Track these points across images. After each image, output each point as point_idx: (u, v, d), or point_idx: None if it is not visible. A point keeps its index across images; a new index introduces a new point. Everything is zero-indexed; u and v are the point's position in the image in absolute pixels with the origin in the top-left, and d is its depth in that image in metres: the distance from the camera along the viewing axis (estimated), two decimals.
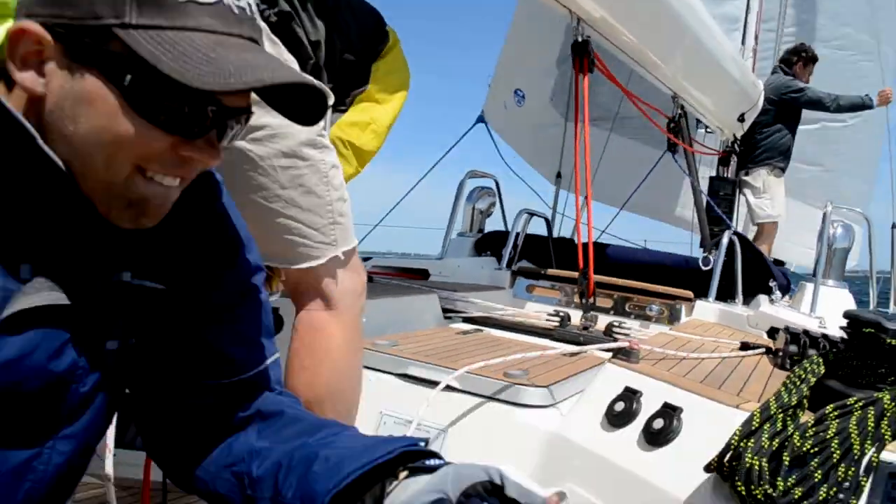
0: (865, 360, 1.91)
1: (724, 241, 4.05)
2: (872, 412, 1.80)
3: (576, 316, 3.50)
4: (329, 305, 1.88)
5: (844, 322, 2.05)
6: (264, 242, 1.41)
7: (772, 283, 4.18)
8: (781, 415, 1.82)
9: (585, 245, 3.30)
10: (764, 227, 6.24)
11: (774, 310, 3.70)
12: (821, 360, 2.02)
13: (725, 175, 6.58)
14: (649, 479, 2.01)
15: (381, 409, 2.64)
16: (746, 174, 6.40)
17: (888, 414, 1.82)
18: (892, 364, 1.86)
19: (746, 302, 4.19)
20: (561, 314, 3.42)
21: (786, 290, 4.47)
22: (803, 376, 1.96)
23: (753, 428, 1.76)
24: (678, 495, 1.90)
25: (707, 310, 3.87)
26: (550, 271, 4.28)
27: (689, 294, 3.91)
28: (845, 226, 4.22)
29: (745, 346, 2.96)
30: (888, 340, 1.86)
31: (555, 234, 5.62)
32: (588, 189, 3.33)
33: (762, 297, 4.07)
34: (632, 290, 3.99)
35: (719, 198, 5.94)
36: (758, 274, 4.29)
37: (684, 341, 3.01)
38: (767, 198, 6.28)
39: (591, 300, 3.37)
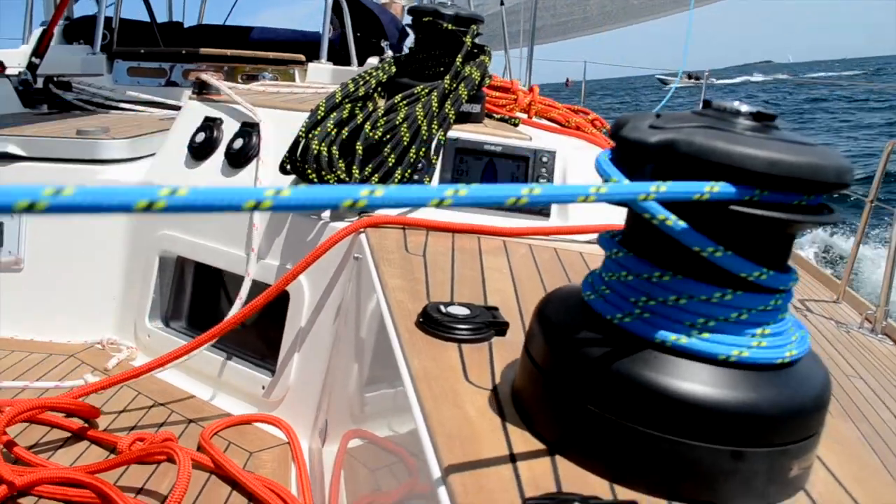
0: (429, 50, 1.95)
1: (328, 2, 3.94)
2: (436, 95, 1.86)
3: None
4: None
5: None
6: None
7: (384, 44, 4.21)
8: (349, 105, 1.80)
9: None
10: None
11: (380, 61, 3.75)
12: (392, 61, 2.03)
13: None
14: None
15: None
16: None
17: (450, 95, 1.89)
18: (449, 49, 1.91)
19: (361, 64, 4.20)
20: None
21: (398, 49, 4.55)
22: (373, 73, 1.96)
23: (319, 118, 1.73)
24: None
25: (321, 72, 3.80)
26: (151, 49, 3.88)
27: (301, 57, 3.80)
28: None
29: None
30: (444, 25, 1.89)
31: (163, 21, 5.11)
32: None
33: (374, 58, 4.10)
34: (241, 59, 3.77)
35: None
36: (372, 34, 4.29)
37: (286, 88, 2.92)
38: None
39: None
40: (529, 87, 2.53)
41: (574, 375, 0.70)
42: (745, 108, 0.70)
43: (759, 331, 0.69)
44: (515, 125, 2.16)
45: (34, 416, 1.60)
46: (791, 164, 0.62)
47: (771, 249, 0.69)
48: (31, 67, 3.32)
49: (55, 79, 3.26)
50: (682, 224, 0.65)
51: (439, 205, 0.53)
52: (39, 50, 3.41)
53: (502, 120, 2.19)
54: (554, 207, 1.78)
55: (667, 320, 0.68)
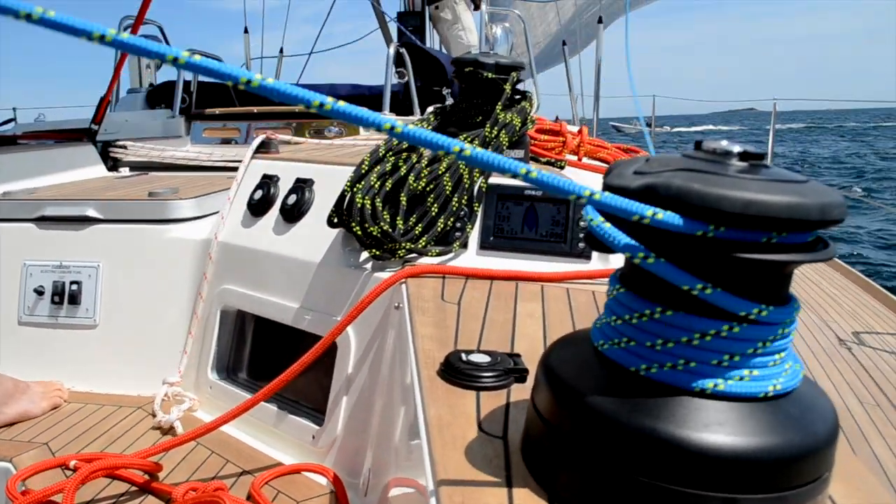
0: (471, 99, 1.98)
1: (390, 53, 4.06)
2: (477, 144, 1.89)
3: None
4: None
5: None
6: None
7: (445, 92, 4.30)
8: (393, 157, 1.85)
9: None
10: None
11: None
12: (437, 111, 2.08)
13: (412, 9, 6.62)
14: (290, 254, 1.99)
15: (24, 259, 2.40)
16: (436, 8, 6.46)
17: (491, 142, 1.92)
18: (490, 97, 1.94)
19: (423, 113, 4.29)
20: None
21: None
22: (418, 125, 2.00)
23: (363, 172, 1.78)
24: (316, 259, 1.91)
25: None
26: (221, 109, 4.07)
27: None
28: (504, 27, 4.41)
29: None
30: (485, 74, 1.93)
31: None
32: None
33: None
34: (308, 114, 3.92)
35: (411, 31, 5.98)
36: (434, 82, 4.39)
37: (350, 140, 3.02)
38: (460, 28, 6.41)
39: None
40: (578, 128, 2.54)
41: (581, 427, 0.70)
42: (734, 147, 0.70)
43: (787, 364, 0.69)
44: (561, 168, 2.17)
45: (107, 474, 1.69)
46: (768, 203, 0.62)
47: (765, 285, 0.68)
48: (90, 134, 3.54)
49: (113, 143, 3.48)
50: (661, 261, 0.65)
51: (446, 154, 0.59)
52: (97, 118, 3.63)
53: (548, 163, 2.20)
54: (595, 252, 1.78)
55: (697, 365, 0.67)
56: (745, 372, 0.67)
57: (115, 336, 2.33)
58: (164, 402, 2.18)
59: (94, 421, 2.06)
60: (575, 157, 2.37)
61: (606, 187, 0.73)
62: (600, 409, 0.68)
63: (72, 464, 1.76)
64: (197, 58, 0.59)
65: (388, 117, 0.61)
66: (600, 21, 6.61)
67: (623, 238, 0.68)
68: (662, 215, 0.64)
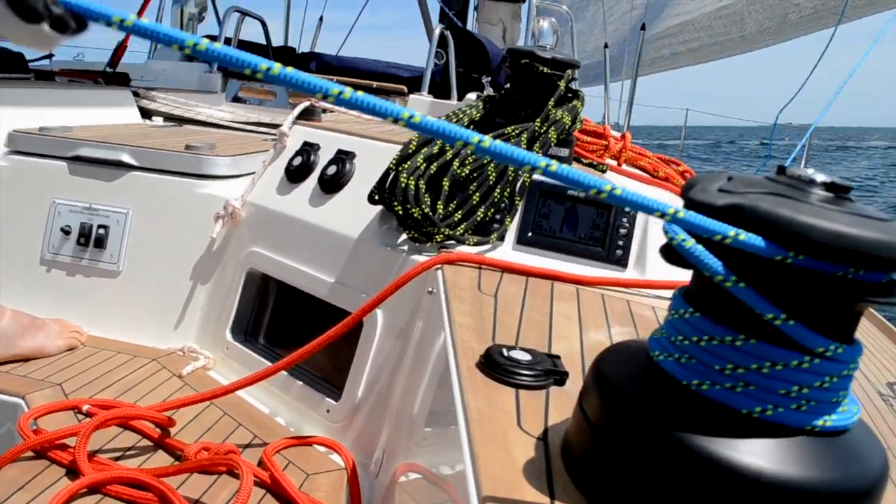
0: (523, 92, 1.96)
1: (435, 34, 4.04)
2: (525, 137, 1.87)
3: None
4: None
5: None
6: None
7: (484, 80, 4.27)
8: (440, 143, 1.83)
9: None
10: None
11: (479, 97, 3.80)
12: (486, 99, 2.06)
13: None
14: (325, 225, 1.98)
15: (54, 197, 2.39)
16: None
17: (539, 137, 1.90)
18: (542, 91, 1.92)
19: (461, 98, 4.26)
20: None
21: (499, 85, 4.60)
22: (467, 111, 1.99)
23: (410, 152, 1.76)
24: (351, 234, 1.90)
25: (421, 104, 3.89)
26: None
27: (403, 88, 3.90)
28: (550, 22, 4.36)
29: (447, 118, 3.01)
30: (541, 68, 1.91)
31: (279, 44, 5.34)
32: None
33: (474, 94, 4.17)
34: (346, 86, 3.90)
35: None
36: (474, 68, 4.36)
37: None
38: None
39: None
40: (622, 133, 2.51)
41: (632, 437, 0.69)
42: (820, 177, 0.69)
43: (845, 402, 0.68)
44: (603, 171, 2.15)
45: (120, 423, 1.69)
46: (857, 237, 0.61)
47: (837, 321, 0.67)
48: (105, 76, 3.52)
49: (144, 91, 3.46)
50: (743, 286, 0.64)
51: (464, 146, 0.58)
52: (114, 60, 3.60)
53: (590, 165, 2.18)
54: (631, 259, 1.76)
55: (758, 390, 0.66)
56: (804, 403, 0.66)
57: (136, 285, 2.32)
58: (180, 357, 2.18)
59: (109, 367, 2.06)
60: (615, 162, 2.34)
61: (689, 201, 0.71)
62: (651, 421, 0.68)
63: (84, 408, 1.76)
64: (207, 45, 0.60)
65: (403, 107, 0.61)
66: (643, 28, 6.57)
67: (711, 259, 0.66)
68: (745, 236, 0.63)
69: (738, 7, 9.15)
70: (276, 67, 0.59)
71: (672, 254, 0.71)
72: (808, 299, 0.64)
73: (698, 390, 0.68)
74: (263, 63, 0.59)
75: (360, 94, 0.60)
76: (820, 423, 0.66)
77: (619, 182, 2.05)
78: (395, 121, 0.63)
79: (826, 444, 0.66)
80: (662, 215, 0.66)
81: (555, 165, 0.65)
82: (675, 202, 1.86)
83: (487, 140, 0.64)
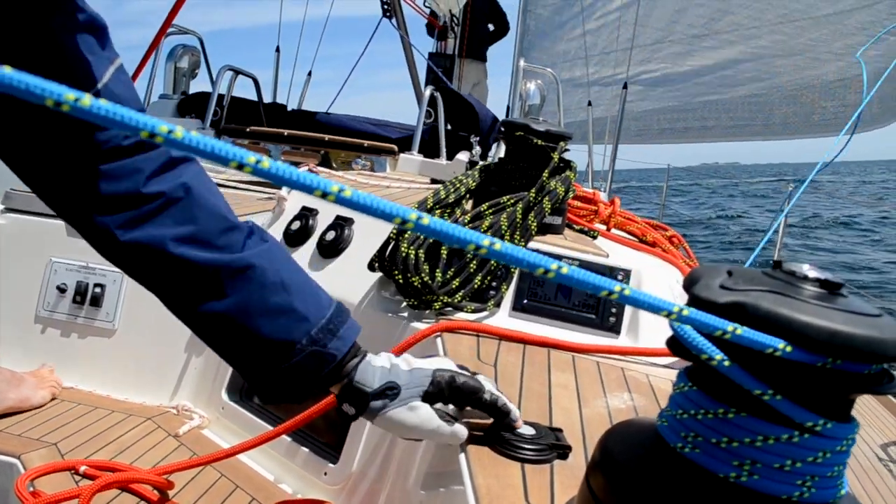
0: (517, 163, 2.04)
1: (426, 95, 4.14)
2: (521, 207, 1.94)
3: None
4: None
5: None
6: None
7: (473, 140, 4.37)
8: (439, 210, 1.90)
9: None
10: None
11: (468, 156, 3.89)
12: (481, 168, 2.13)
13: (444, 51, 6.76)
14: (325, 289, 2.02)
15: (51, 256, 2.43)
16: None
17: (534, 207, 1.97)
18: (536, 162, 1.99)
19: (450, 158, 4.35)
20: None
21: (486, 145, 4.70)
22: (463, 180, 2.06)
23: None
24: (351, 300, 1.94)
25: (411, 163, 3.97)
26: (254, 128, 4.13)
27: (393, 147, 3.98)
28: (537, 84, 4.50)
29: (434, 181, 3.08)
30: (535, 141, 1.99)
31: (268, 100, 5.42)
32: None
33: (463, 153, 4.26)
34: (338, 144, 3.98)
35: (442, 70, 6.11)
36: (462, 127, 4.46)
37: (378, 179, 3.06)
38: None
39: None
40: (611, 198, 2.59)
41: None
42: (813, 273, 0.75)
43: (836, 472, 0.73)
44: (594, 238, 2.22)
45: (120, 486, 1.71)
46: (851, 335, 0.66)
47: (834, 406, 0.72)
48: None
49: None
50: (737, 369, 0.70)
51: (476, 251, 0.60)
52: None
53: (582, 231, 2.25)
54: (624, 326, 1.82)
55: (750, 463, 0.71)
56: (800, 476, 0.71)
57: (132, 344, 2.34)
58: (175, 416, 2.19)
59: (104, 427, 2.07)
60: (604, 227, 2.42)
61: (693, 297, 0.77)
62: (656, 496, 0.72)
63: (81, 469, 1.77)
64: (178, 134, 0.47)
65: (410, 209, 0.57)
66: (625, 87, 6.75)
67: (713, 349, 0.72)
68: (790, 349, 0.69)
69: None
70: (266, 161, 0.53)
71: (677, 345, 0.76)
72: (802, 385, 0.70)
73: (696, 461, 0.73)
74: (251, 156, 0.53)
75: (363, 193, 0.58)
76: (796, 493, 0.71)
77: (609, 248, 2.12)
78: (403, 223, 0.62)
79: None
80: (669, 314, 0.71)
81: (566, 269, 0.69)
82: (663, 267, 1.92)
83: (499, 244, 0.67)
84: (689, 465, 0.73)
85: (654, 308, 0.72)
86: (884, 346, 0.67)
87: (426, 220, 0.64)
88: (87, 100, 0.45)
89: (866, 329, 0.67)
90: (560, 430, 1.18)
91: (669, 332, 0.77)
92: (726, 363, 0.70)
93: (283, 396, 1.08)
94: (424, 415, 1.07)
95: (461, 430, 1.09)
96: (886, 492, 1.27)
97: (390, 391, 1.06)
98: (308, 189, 0.55)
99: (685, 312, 0.72)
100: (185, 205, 1.00)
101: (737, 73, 9.45)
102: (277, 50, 7.36)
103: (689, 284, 0.80)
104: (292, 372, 1.04)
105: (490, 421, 1.14)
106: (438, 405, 1.09)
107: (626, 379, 1.57)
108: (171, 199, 1.00)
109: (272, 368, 1.04)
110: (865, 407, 2.11)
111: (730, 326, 0.70)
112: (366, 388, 1.06)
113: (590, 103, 6.64)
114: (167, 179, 1.00)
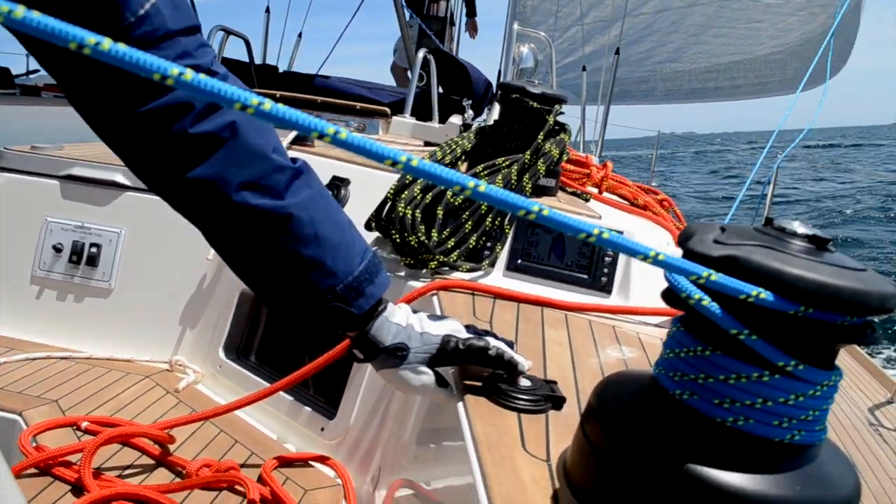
0: (512, 125, 2.05)
1: (419, 58, 4.13)
2: (516, 168, 1.96)
3: None
4: None
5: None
6: None
7: (465, 103, 4.36)
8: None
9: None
10: None
11: (461, 120, 3.88)
12: (477, 131, 2.14)
13: (435, 13, 6.73)
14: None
15: (46, 215, 2.43)
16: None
17: (529, 169, 1.99)
18: (532, 125, 2.01)
19: (443, 121, 4.35)
20: None
21: (479, 109, 4.70)
22: (458, 142, 2.07)
23: (407, 182, 1.84)
24: None
25: (404, 126, 3.96)
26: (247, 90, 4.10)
27: (386, 110, 3.97)
28: (530, 48, 4.48)
29: (427, 144, 3.09)
30: (530, 103, 2.00)
31: (259, 61, 5.39)
32: None
33: (456, 117, 4.25)
34: (328, 106, 3.97)
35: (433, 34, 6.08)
36: (455, 91, 4.45)
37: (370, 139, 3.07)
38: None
39: None
40: (602, 162, 2.62)
41: (633, 458, 0.76)
42: (802, 229, 0.78)
43: (812, 416, 0.76)
44: (587, 200, 2.24)
45: (121, 441, 1.75)
46: (837, 287, 0.69)
47: (816, 353, 0.75)
48: None
49: None
50: (716, 307, 0.73)
51: (462, 191, 0.62)
52: None
53: (574, 194, 2.28)
54: (615, 286, 1.85)
55: (728, 401, 0.74)
56: (771, 416, 0.75)
57: (128, 303, 2.36)
58: (171, 375, 2.23)
59: (103, 384, 2.10)
60: (596, 190, 2.44)
61: (688, 251, 0.80)
62: (647, 439, 0.75)
63: (83, 425, 1.80)
64: (188, 76, 0.50)
65: (401, 150, 0.59)
66: (617, 52, 6.74)
67: (694, 290, 0.75)
68: (764, 295, 0.71)
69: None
70: (268, 103, 0.55)
71: (671, 296, 0.80)
72: (785, 332, 0.73)
73: (681, 399, 0.76)
74: (254, 98, 0.54)
75: (357, 135, 0.58)
76: (788, 437, 0.74)
77: (601, 210, 2.15)
78: (394, 164, 0.64)
79: (796, 461, 0.75)
80: (645, 258, 0.74)
81: (547, 211, 0.71)
82: (654, 230, 1.95)
83: (483, 185, 0.69)
84: (687, 411, 0.77)
85: (632, 251, 0.74)
86: (868, 298, 0.71)
87: (415, 161, 0.66)
88: (106, 44, 0.47)
89: (852, 282, 0.71)
90: (555, 383, 1.22)
91: (658, 294, 0.81)
92: (704, 302, 0.74)
93: (306, 331, 1.14)
94: (426, 379, 1.14)
95: (458, 396, 1.15)
96: (871, 455, 1.31)
97: (400, 352, 1.11)
98: (306, 130, 0.58)
99: (661, 257, 0.75)
100: (231, 146, 1.01)
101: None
102: (267, 10, 7.30)
103: (684, 239, 0.83)
104: (315, 318, 1.09)
105: (488, 372, 1.18)
106: (441, 369, 1.16)
107: (617, 336, 1.61)
108: (219, 139, 1.00)
109: (295, 312, 1.10)
110: (853, 374, 2.16)
111: (705, 272, 0.73)
112: (379, 342, 1.10)
113: (584, 68, 6.62)
114: (213, 120, 1.00)
